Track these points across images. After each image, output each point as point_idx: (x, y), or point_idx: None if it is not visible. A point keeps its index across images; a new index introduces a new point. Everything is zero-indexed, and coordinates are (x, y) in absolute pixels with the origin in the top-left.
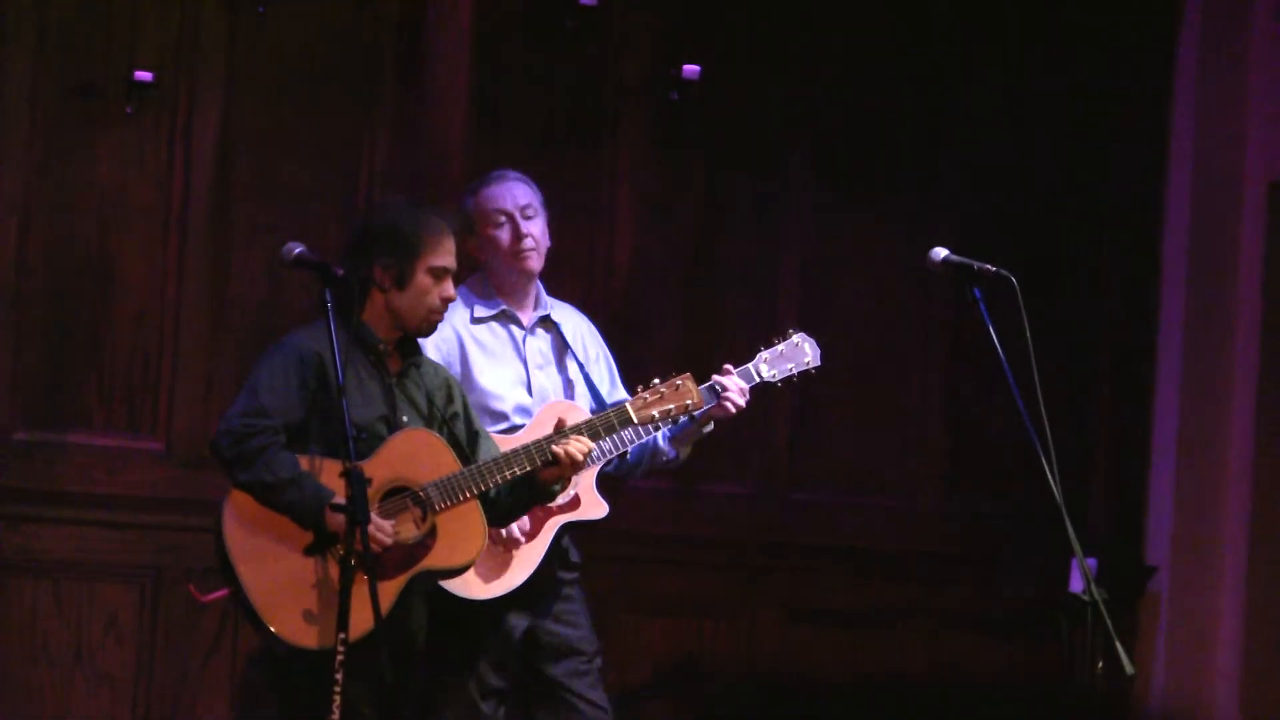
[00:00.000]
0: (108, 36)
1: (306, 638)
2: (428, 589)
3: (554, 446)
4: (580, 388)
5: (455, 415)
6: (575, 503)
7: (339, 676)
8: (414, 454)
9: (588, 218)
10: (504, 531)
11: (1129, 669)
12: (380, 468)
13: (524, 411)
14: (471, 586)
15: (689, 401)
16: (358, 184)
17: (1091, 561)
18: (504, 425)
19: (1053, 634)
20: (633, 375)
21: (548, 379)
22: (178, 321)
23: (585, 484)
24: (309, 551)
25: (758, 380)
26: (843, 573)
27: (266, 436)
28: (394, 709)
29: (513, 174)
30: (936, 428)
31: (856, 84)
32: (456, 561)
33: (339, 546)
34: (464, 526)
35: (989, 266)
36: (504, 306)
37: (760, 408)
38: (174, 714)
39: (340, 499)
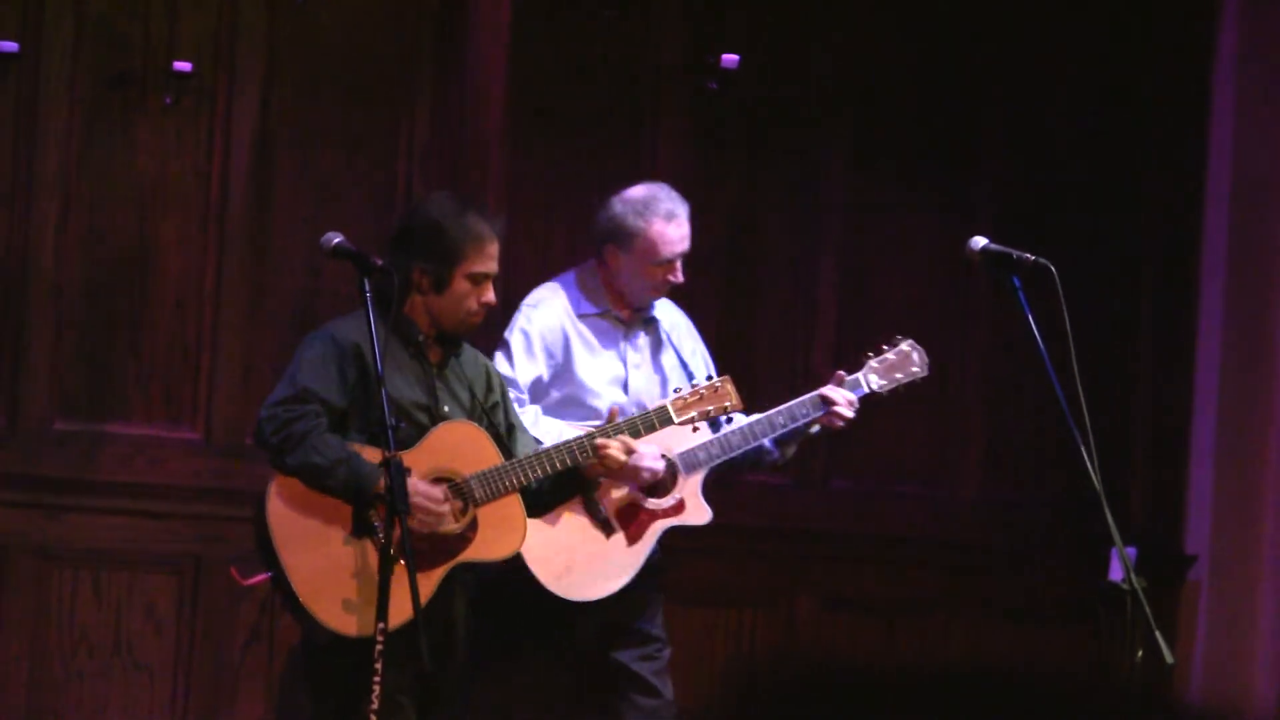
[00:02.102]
0: (146, 27)
1: (346, 625)
2: (467, 580)
3: (598, 439)
4: (677, 383)
5: (495, 405)
6: (680, 507)
7: (379, 666)
8: (456, 446)
9: None
10: (607, 535)
11: (1168, 658)
12: (422, 458)
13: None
14: (571, 588)
15: (728, 404)
16: (396, 173)
17: (1131, 550)
18: (597, 422)
19: (1092, 623)
20: None
21: (644, 378)
22: (217, 311)
23: (690, 489)
24: (351, 539)
25: (867, 391)
26: (881, 561)
27: (310, 420)
28: (432, 699)
29: (682, 204)
30: (976, 416)
31: (896, 73)
32: (496, 554)
33: (380, 535)
34: (505, 519)
35: (1028, 256)
36: (608, 307)
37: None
38: (213, 703)
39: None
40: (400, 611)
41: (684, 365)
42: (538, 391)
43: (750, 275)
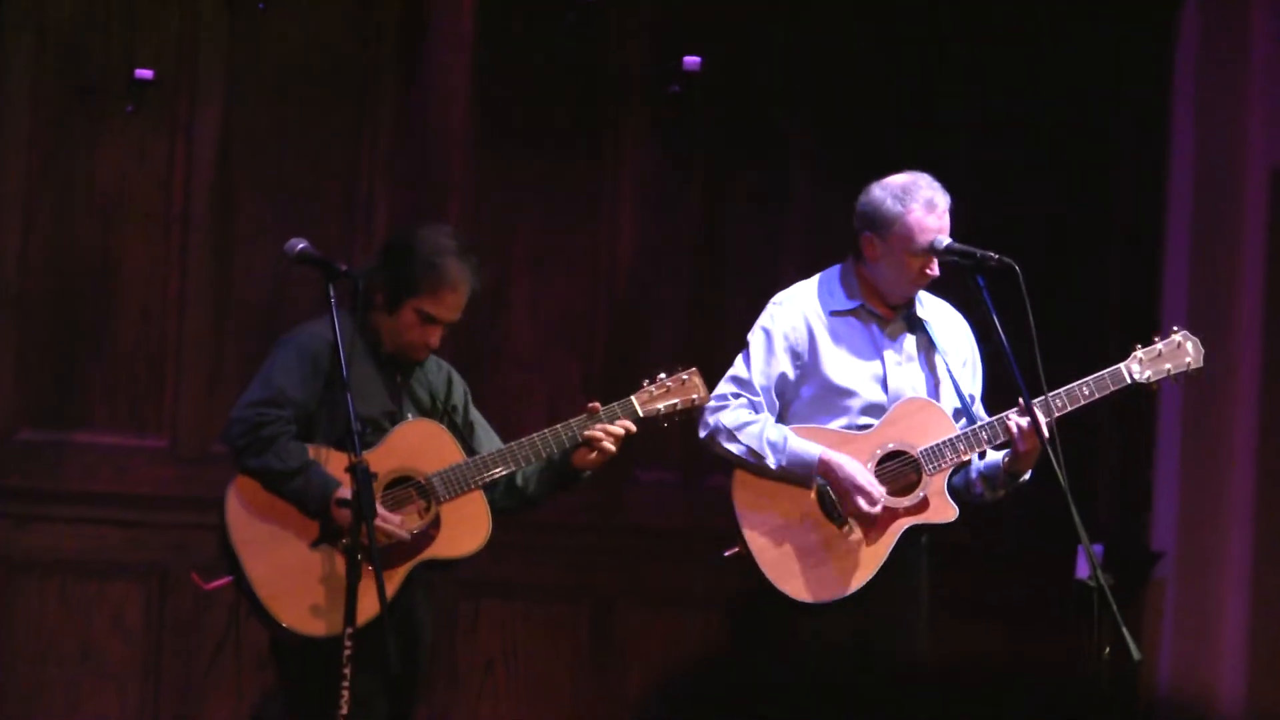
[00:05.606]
0: (108, 35)
1: (310, 627)
2: (430, 579)
3: (587, 431)
4: (946, 388)
5: (454, 407)
6: (924, 505)
7: (347, 671)
8: (419, 444)
9: (589, 212)
10: (845, 535)
11: (1135, 654)
12: (385, 458)
13: (873, 410)
14: (805, 590)
15: (695, 396)
16: (359, 180)
17: (1097, 547)
18: (842, 421)
19: (1059, 620)
20: (636, 370)
21: (907, 376)
22: (181, 319)
23: (935, 487)
24: (313, 542)
25: (1129, 382)
26: None
27: (279, 425)
28: (400, 698)
29: (943, 194)
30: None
31: (859, 74)
32: (459, 551)
33: (344, 539)
34: (467, 517)
35: (992, 255)
36: (863, 303)
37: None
38: (180, 712)
39: (346, 490)
40: (363, 610)
41: (950, 373)
42: (785, 390)
43: (715, 278)
